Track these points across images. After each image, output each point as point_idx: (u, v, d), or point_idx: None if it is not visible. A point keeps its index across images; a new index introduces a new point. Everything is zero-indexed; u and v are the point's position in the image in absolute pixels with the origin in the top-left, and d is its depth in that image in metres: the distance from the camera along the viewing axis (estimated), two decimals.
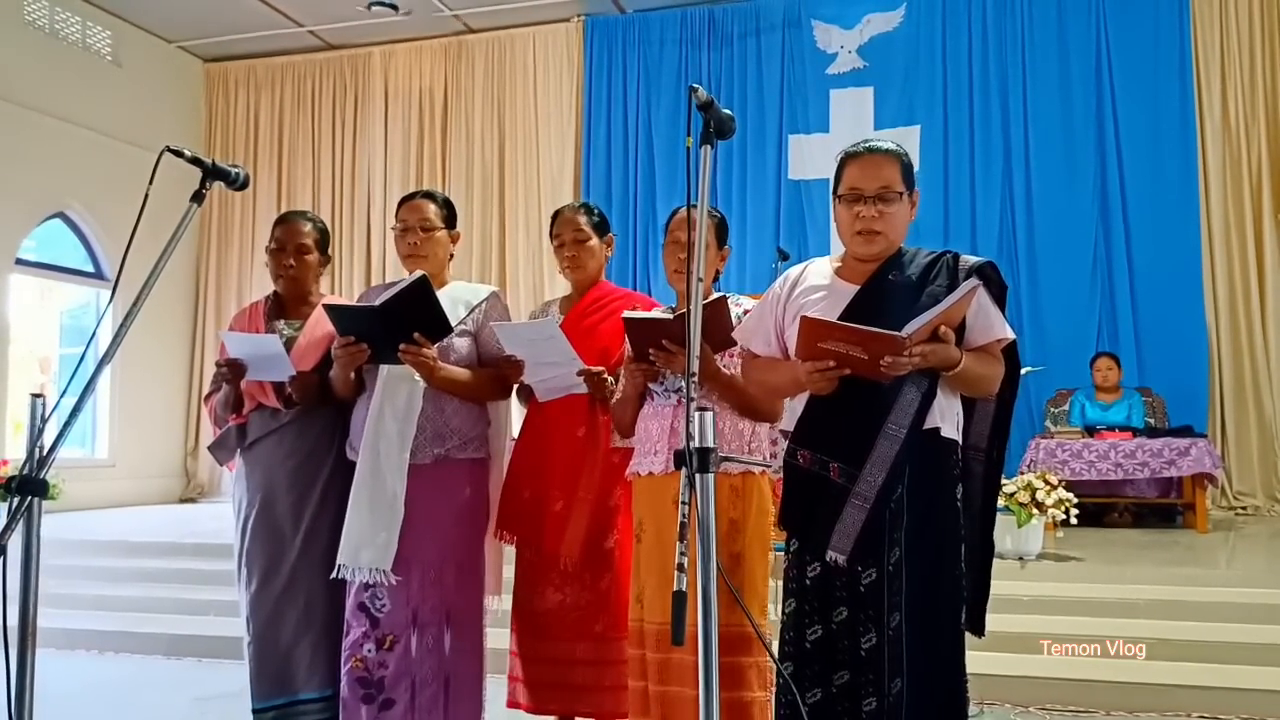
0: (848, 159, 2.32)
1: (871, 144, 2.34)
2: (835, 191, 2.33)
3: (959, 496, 2.24)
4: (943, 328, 2.10)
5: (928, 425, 2.17)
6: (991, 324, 2.25)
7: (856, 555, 2.14)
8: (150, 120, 9.50)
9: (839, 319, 2.17)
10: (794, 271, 2.44)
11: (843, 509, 2.15)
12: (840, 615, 2.19)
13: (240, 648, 3.14)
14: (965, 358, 2.16)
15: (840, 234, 2.34)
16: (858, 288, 2.28)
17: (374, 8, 9.14)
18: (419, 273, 2.82)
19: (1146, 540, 6.03)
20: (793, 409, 2.32)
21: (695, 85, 1.83)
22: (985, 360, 2.24)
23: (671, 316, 2.66)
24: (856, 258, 2.33)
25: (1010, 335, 2.28)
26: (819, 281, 2.35)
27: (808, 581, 2.23)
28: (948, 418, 2.22)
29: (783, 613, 2.30)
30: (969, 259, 2.28)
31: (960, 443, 2.28)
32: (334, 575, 2.91)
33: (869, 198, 2.25)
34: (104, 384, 8.94)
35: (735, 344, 2.57)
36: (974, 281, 2.15)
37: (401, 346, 2.77)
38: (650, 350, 2.60)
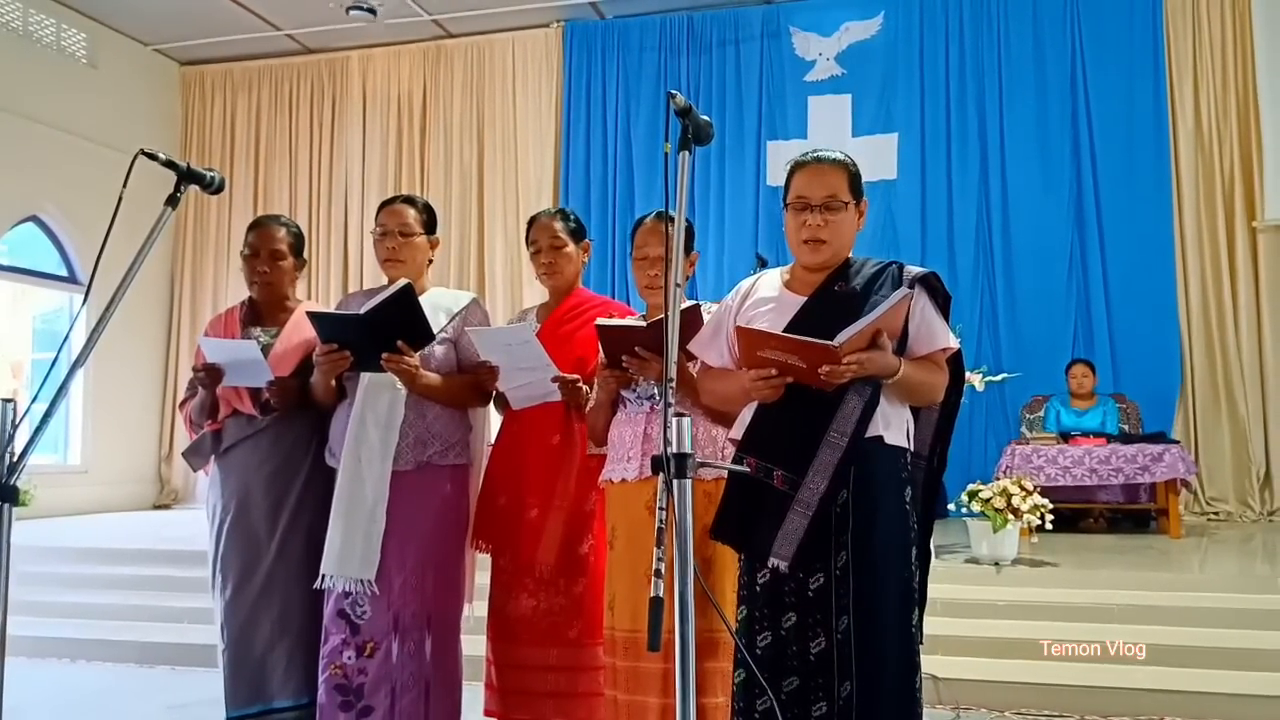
0: (796, 168, 2.36)
1: (819, 153, 2.37)
2: (784, 200, 2.36)
3: (908, 501, 2.26)
4: (881, 336, 2.12)
5: (871, 433, 2.19)
6: (934, 333, 2.28)
7: (800, 561, 2.16)
8: (126, 123, 9.42)
9: (785, 329, 2.19)
10: (745, 283, 2.46)
11: (785, 516, 2.17)
12: (789, 621, 2.20)
13: (214, 655, 3.12)
14: (904, 366, 2.19)
15: (789, 242, 2.37)
16: (805, 299, 2.30)
17: (352, 12, 9.11)
18: (403, 281, 2.83)
19: (1120, 545, 6.08)
20: (741, 417, 2.34)
21: (673, 91, 1.83)
22: (927, 369, 2.27)
23: (645, 324, 2.66)
24: (804, 266, 2.36)
25: (954, 345, 2.31)
26: (768, 293, 2.38)
27: (757, 588, 2.25)
28: (892, 425, 2.24)
29: (736, 620, 2.31)
30: (913, 269, 2.31)
31: (909, 449, 2.30)
32: (317, 585, 2.89)
33: (815, 206, 2.27)
34: (77, 389, 8.85)
35: None
36: (904, 291, 2.18)
37: (385, 355, 2.77)
38: (623, 357, 2.61)
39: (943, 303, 2.31)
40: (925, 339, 2.27)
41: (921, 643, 2.29)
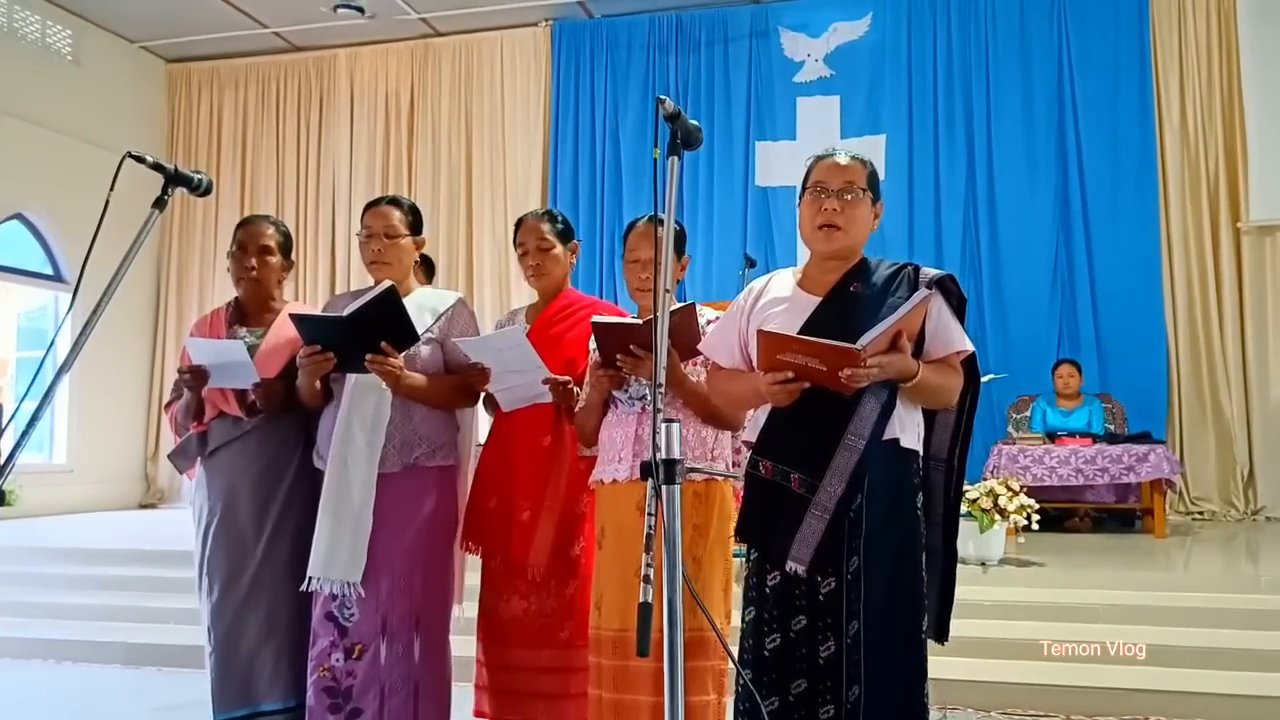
0: (817, 161, 2.38)
1: (841, 150, 2.40)
2: (801, 192, 2.36)
3: (919, 505, 2.26)
4: (901, 338, 2.12)
5: (887, 436, 2.19)
6: (950, 336, 2.28)
7: (816, 565, 2.16)
8: (111, 121, 9.38)
9: (800, 331, 2.18)
10: (758, 283, 2.45)
11: (803, 519, 2.16)
12: (799, 624, 2.20)
13: (201, 657, 3.11)
14: (922, 369, 2.19)
15: (802, 232, 2.36)
16: (819, 299, 2.29)
17: (339, 10, 9.08)
18: (387, 282, 2.82)
19: (1106, 545, 6.12)
20: (755, 419, 2.34)
21: (662, 96, 1.82)
22: (943, 372, 2.26)
23: (640, 322, 2.66)
24: (818, 255, 2.34)
25: (969, 348, 2.30)
26: (781, 293, 2.36)
27: (767, 590, 2.25)
28: (908, 428, 2.24)
29: (742, 620, 2.32)
30: (930, 271, 2.30)
31: (921, 452, 2.30)
32: (304, 588, 2.88)
33: (833, 191, 2.28)
34: (62, 388, 8.74)
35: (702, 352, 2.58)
36: (925, 292, 2.18)
37: (368, 356, 2.76)
38: (618, 356, 2.60)
39: (957, 305, 2.31)
40: (941, 342, 2.27)
41: (946, 642, 2.31)
